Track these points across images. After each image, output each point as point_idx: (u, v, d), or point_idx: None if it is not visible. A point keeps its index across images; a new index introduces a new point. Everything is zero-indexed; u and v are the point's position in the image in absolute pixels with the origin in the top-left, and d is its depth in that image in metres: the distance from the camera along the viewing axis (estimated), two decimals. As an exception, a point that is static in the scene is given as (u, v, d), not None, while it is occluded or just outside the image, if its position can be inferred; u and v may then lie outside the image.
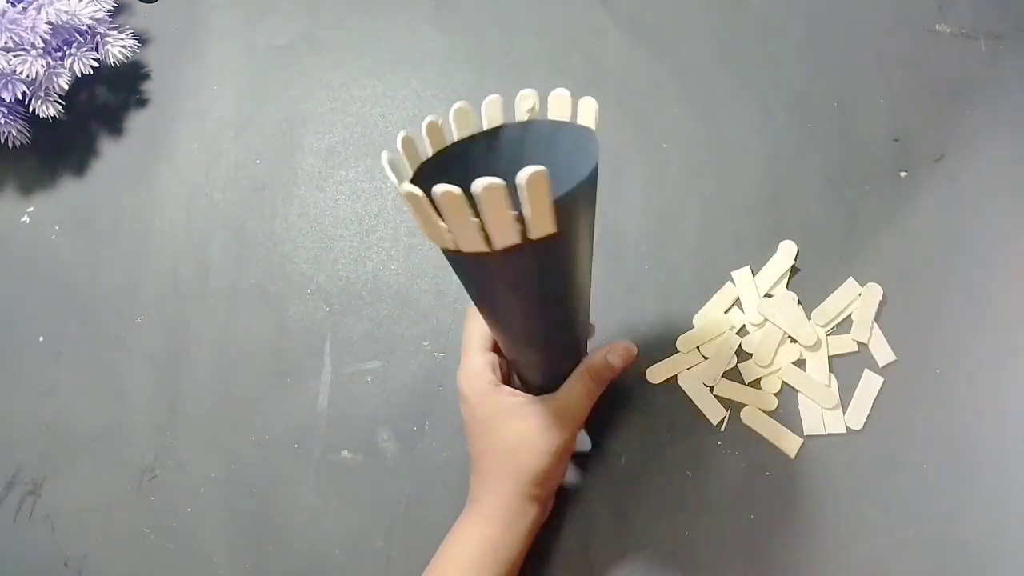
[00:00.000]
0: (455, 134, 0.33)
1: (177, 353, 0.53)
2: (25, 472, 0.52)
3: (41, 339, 0.54)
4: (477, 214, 0.26)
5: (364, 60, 0.58)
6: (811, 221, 0.52)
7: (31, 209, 0.57)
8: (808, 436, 0.48)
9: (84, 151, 0.58)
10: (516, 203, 0.26)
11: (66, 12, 0.50)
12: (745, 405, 0.48)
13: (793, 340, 0.49)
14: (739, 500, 0.47)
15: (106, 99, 0.59)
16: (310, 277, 0.54)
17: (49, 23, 0.50)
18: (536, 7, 0.58)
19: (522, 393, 0.43)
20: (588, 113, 0.32)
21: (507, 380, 0.44)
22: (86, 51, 0.53)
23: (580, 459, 0.48)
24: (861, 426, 0.47)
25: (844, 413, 0.48)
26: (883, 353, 0.49)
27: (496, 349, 0.44)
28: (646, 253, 0.52)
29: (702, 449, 0.48)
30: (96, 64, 0.54)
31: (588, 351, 0.44)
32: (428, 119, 0.31)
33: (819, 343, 0.49)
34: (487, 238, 0.27)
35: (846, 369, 0.49)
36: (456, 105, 0.32)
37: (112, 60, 0.55)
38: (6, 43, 0.49)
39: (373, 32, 0.59)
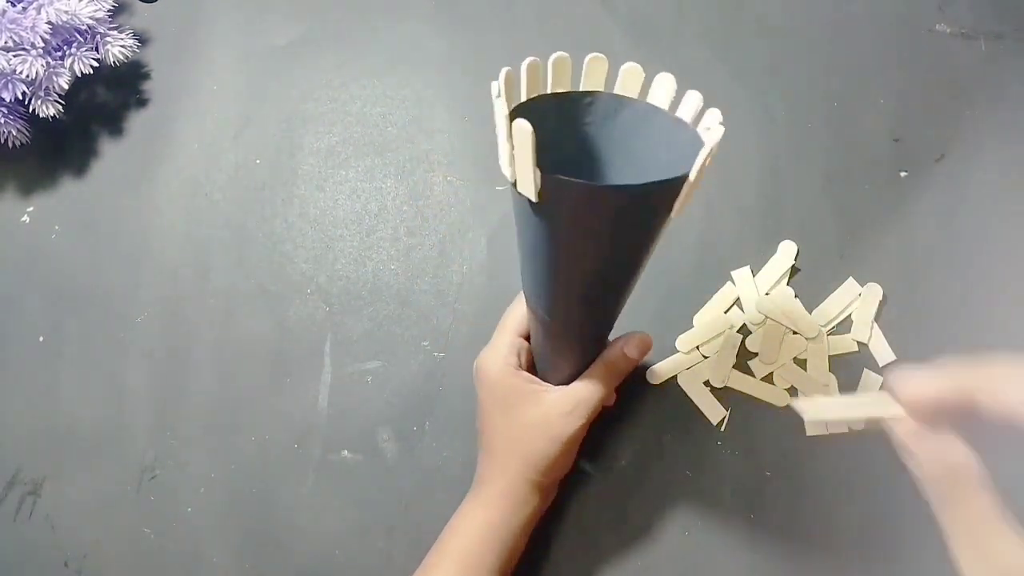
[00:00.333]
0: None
1: (177, 353, 0.53)
2: (25, 472, 0.52)
3: (41, 339, 0.54)
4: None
5: (364, 60, 0.58)
6: (811, 221, 0.52)
7: (31, 209, 0.57)
8: (810, 436, 0.48)
9: (84, 151, 0.58)
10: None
11: (66, 12, 0.50)
12: (752, 396, 0.49)
13: (795, 333, 0.49)
14: (739, 500, 0.47)
15: (106, 99, 0.59)
16: (310, 277, 0.54)
17: (49, 23, 0.50)
18: (536, 7, 0.58)
19: (540, 380, 0.44)
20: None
21: (528, 370, 0.45)
22: (86, 51, 0.53)
23: (580, 459, 0.48)
24: (862, 425, 0.47)
25: (844, 413, 0.48)
26: (883, 353, 0.49)
27: (527, 338, 0.44)
28: (646, 253, 0.52)
29: (702, 449, 0.48)
30: (96, 64, 0.54)
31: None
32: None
33: (821, 335, 0.49)
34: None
35: (846, 369, 0.49)
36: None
37: (112, 60, 0.55)
38: (6, 43, 0.49)
39: (373, 32, 0.59)
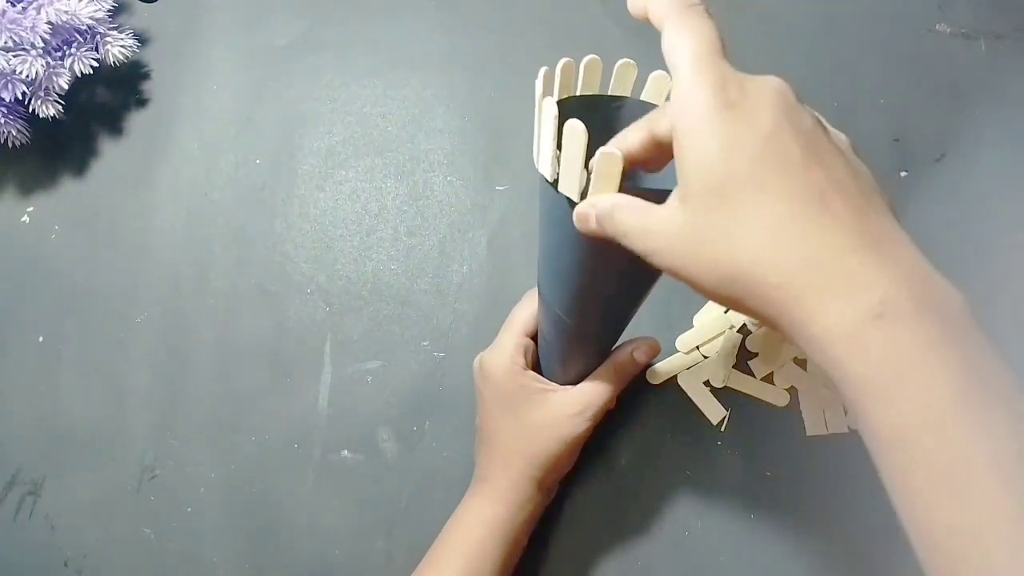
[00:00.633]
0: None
1: (177, 353, 0.53)
2: (25, 472, 0.52)
3: (41, 339, 0.54)
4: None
5: (364, 60, 0.58)
6: (811, 221, 0.52)
7: (31, 209, 0.57)
8: (810, 436, 0.48)
9: (84, 151, 0.58)
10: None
11: (66, 12, 0.50)
12: (751, 396, 0.49)
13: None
14: (739, 500, 0.47)
15: (106, 99, 0.59)
16: (310, 277, 0.54)
17: (49, 23, 0.50)
18: (536, 7, 0.58)
19: (547, 380, 0.44)
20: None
21: (533, 370, 0.45)
22: (86, 51, 0.53)
23: (581, 459, 0.48)
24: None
25: (846, 413, 0.48)
26: (883, 353, 0.49)
27: (533, 338, 0.45)
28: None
29: (702, 449, 0.48)
30: (96, 64, 0.54)
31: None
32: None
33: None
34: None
35: (846, 369, 0.49)
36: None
37: (112, 60, 0.55)
38: (6, 43, 0.49)
39: (373, 32, 0.59)
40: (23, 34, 0.49)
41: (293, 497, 0.50)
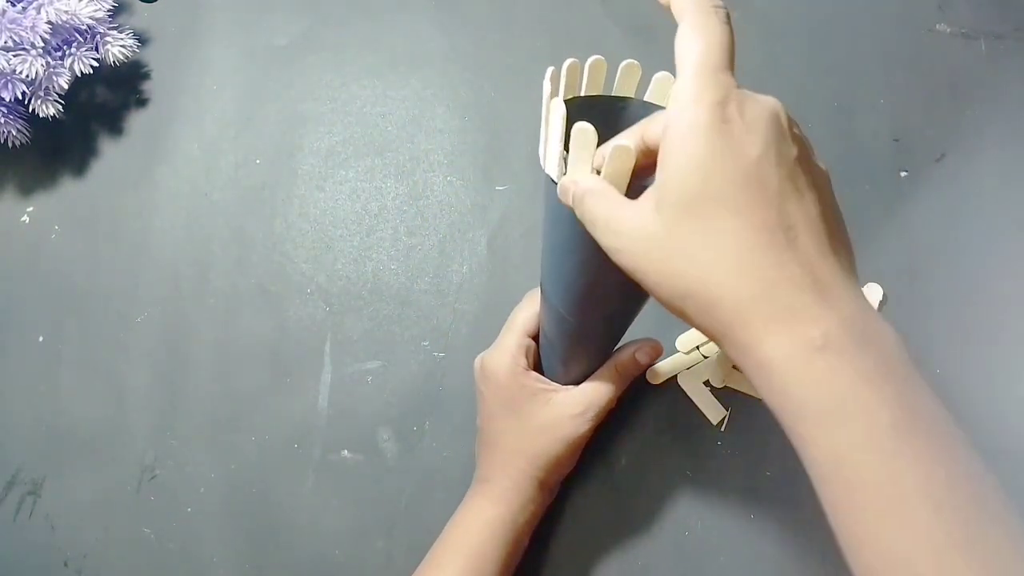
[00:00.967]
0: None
1: (177, 353, 0.53)
2: (25, 472, 0.52)
3: (41, 339, 0.54)
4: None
5: (364, 60, 0.58)
6: (811, 221, 0.52)
7: (31, 209, 0.57)
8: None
9: (84, 151, 0.58)
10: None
11: (66, 12, 0.50)
12: (751, 396, 0.49)
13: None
14: (739, 500, 0.47)
15: (106, 99, 0.59)
16: (310, 277, 0.54)
17: (49, 23, 0.50)
18: (536, 7, 0.58)
19: (549, 381, 0.44)
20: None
21: (534, 370, 0.45)
22: (86, 51, 0.53)
23: (581, 459, 0.48)
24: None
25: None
26: (883, 353, 0.49)
27: (534, 338, 0.45)
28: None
29: (702, 449, 0.48)
30: (96, 64, 0.54)
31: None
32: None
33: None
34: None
35: (846, 369, 0.49)
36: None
37: (112, 60, 0.55)
38: (6, 43, 0.49)
39: (373, 32, 0.59)
40: (23, 34, 0.49)
41: (293, 497, 0.50)
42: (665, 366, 0.50)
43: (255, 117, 0.58)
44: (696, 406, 0.49)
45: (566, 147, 0.29)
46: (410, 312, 0.53)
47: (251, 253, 0.55)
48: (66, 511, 0.51)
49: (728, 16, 0.27)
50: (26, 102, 0.52)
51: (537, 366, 0.45)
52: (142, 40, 0.59)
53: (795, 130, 0.27)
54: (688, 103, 0.25)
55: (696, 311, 0.26)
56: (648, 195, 0.27)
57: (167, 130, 0.58)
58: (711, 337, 0.27)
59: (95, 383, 0.53)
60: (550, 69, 0.31)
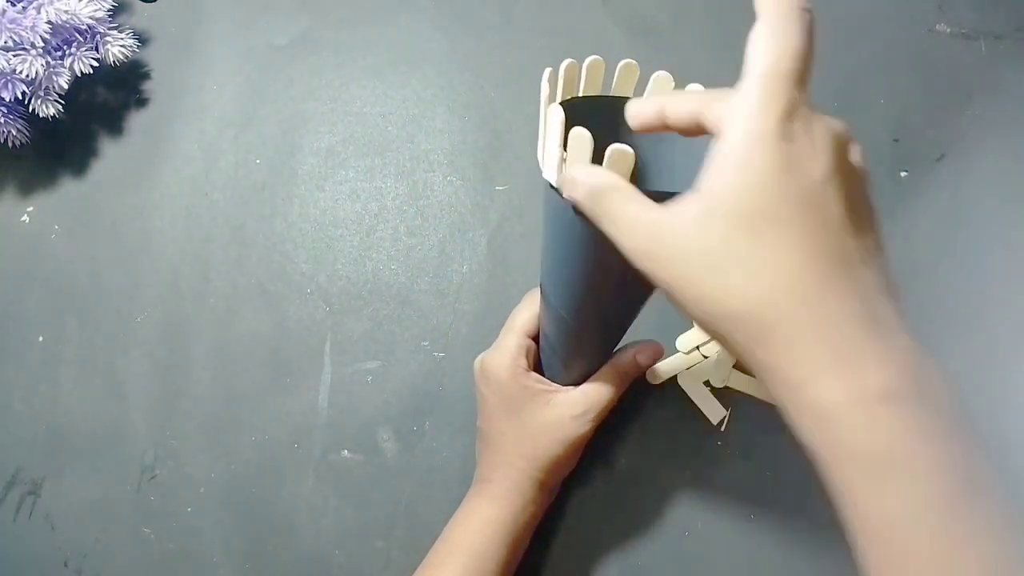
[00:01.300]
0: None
1: (177, 353, 0.53)
2: (25, 472, 0.52)
3: (41, 339, 0.54)
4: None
5: (364, 60, 0.58)
6: (811, 221, 0.52)
7: (31, 209, 0.57)
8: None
9: (84, 151, 0.58)
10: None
11: (66, 12, 0.50)
12: (750, 395, 0.49)
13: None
14: (739, 500, 0.47)
15: (106, 99, 0.59)
16: (310, 277, 0.54)
17: (49, 23, 0.50)
18: (536, 7, 0.58)
19: (549, 381, 0.44)
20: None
21: (534, 371, 0.45)
22: (86, 51, 0.53)
23: (581, 459, 0.48)
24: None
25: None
26: (883, 353, 0.49)
27: (534, 339, 0.45)
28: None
29: (702, 449, 0.48)
30: (96, 64, 0.54)
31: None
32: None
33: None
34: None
35: (846, 369, 0.49)
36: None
37: (112, 60, 0.55)
38: (6, 43, 0.49)
39: (373, 32, 0.59)
40: (23, 34, 0.49)
41: (293, 497, 0.50)
42: (665, 366, 0.50)
43: (255, 117, 0.58)
44: (696, 406, 0.49)
45: (566, 148, 0.29)
46: (410, 312, 0.53)
47: (251, 253, 0.55)
48: (66, 511, 0.51)
49: (812, 22, 0.24)
50: (26, 102, 0.52)
51: (537, 367, 0.45)
52: (142, 40, 0.59)
53: (858, 158, 0.25)
54: (752, 111, 0.23)
55: (743, 336, 0.24)
56: (690, 200, 0.24)
57: (167, 130, 0.58)
58: (753, 366, 0.24)
59: (95, 383, 0.53)
60: (547, 70, 0.31)
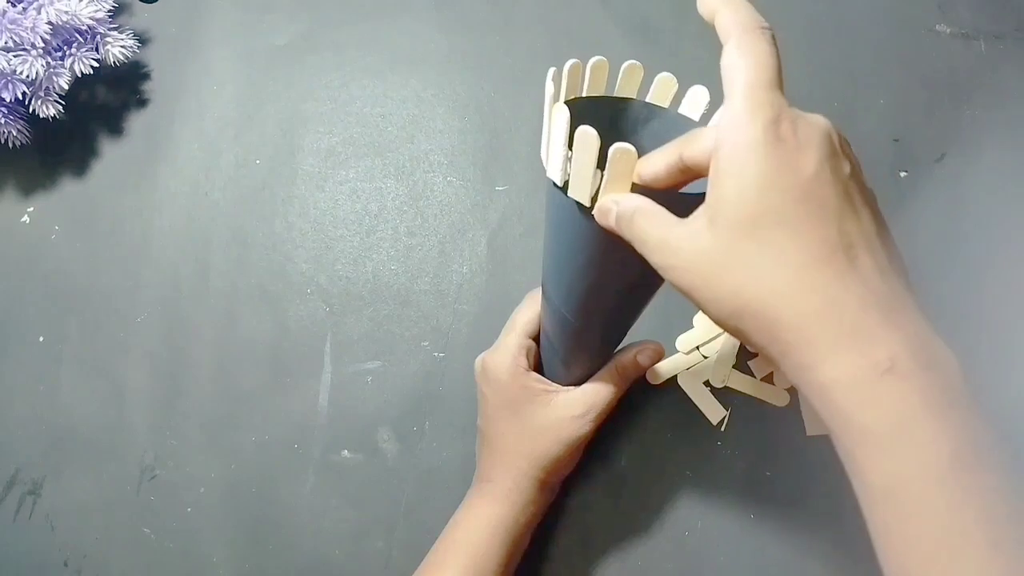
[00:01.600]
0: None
1: (177, 353, 0.53)
2: (25, 472, 0.52)
3: (41, 339, 0.54)
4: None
5: (364, 60, 0.58)
6: (811, 221, 0.52)
7: (31, 209, 0.57)
8: (810, 436, 0.48)
9: (84, 151, 0.58)
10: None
11: (66, 12, 0.50)
12: (752, 396, 0.49)
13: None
14: (739, 500, 0.47)
15: (106, 99, 0.59)
16: (310, 277, 0.54)
17: (49, 23, 0.50)
18: (536, 7, 0.58)
19: (549, 382, 0.44)
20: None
21: (535, 371, 0.45)
22: (86, 51, 0.53)
23: (581, 459, 0.49)
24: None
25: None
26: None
27: (535, 339, 0.45)
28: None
29: (702, 449, 0.48)
30: (96, 64, 0.54)
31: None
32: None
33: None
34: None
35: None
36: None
37: (112, 60, 0.55)
38: (6, 43, 0.49)
39: (373, 32, 0.59)
40: (23, 34, 0.49)
41: (293, 497, 0.50)
42: (665, 366, 0.50)
43: (255, 117, 0.58)
44: (696, 406, 0.49)
45: (570, 147, 0.29)
46: (410, 312, 0.53)
47: (251, 253, 0.55)
48: (66, 511, 0.51)
49: (774, 36, 0.27)
50: (26, 102, 0.52)
51: (538, 367, 0.45)
52: (142, 40, 0.59)
53: (846, 148, 0.27)
54: (741, 122, 0.25)
55: (755, 329, 0.26)
56: (700, 213, 0.26)
57: (167, 130, 0.58)
58: (769, 357, 0.26)
59: (95, 383, 0.53)
60: (552, 70, 0.31)
